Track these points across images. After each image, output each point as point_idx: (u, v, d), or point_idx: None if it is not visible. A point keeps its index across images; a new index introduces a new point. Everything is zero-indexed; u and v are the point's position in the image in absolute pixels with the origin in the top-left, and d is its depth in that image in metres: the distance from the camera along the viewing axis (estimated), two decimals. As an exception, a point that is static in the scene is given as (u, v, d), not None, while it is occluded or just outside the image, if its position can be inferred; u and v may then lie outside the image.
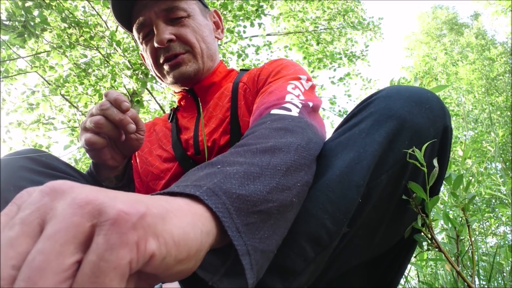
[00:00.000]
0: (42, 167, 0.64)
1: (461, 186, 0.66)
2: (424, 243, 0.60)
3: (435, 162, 0.54)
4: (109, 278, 0.23)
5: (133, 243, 0.24)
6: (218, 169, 0.38)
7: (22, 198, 0.26)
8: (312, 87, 0.72)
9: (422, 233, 0.60)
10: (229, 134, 0.78)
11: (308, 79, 0.72)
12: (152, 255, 0.25)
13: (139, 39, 0.85)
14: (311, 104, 0.62)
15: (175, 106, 0.95)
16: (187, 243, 0.28)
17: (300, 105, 0.60)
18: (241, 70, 0.93)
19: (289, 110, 0.58)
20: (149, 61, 0.87)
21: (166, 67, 0.82)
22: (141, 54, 0.94)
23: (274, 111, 0.58)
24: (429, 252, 0.61)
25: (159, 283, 0.48)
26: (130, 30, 0.87)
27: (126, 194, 0.27)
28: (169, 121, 0.93)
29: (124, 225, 0.24)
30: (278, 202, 0.39)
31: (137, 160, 0.90)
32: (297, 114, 0.57)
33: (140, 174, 0.87)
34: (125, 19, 0.85)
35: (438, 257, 0.73)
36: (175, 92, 0.92)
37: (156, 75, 0.88)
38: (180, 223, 0.28)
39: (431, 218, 0.57)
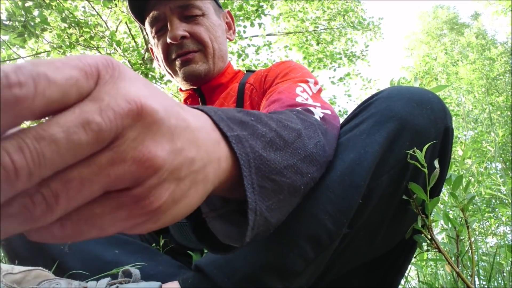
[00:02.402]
0: None
1: (461, 187, 0.66)
2: (424, 244, 0.60)
3: (436, 163, 0.54)
4: (100, 183, 0.21)
5: (148, 187, 0.23)
6: (251, 121, 0.37)
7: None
8: (319, 91, 0.72)
9: (422, 234, 0.60)
10: None
11: (316, 83, 0.73)
12: (158, 207, 0.24)
13: (151, 33, 0.86)
14: (329, 112, 0.62)
15: None
16: (192, 200, 0.27)
17: (322, 114, 0.60)
18: (247, 71, 0.94)
19: (313, 113, 0.58)
20: (159, 56, 0.87)
21: (177, 62, 0.83)
22: (151, 48, 0.94)
23: (300, 109, 0.58)
24: (429, 252, 0.61)
25: (159, 284, 0.48)
26: (142, 23, 0.88)
27: (182, 108, 0.26)
28: None
29: (151, 168, 0.22)
30: (290, 180, 0.38)
31: None
32: (319, 119, 0.57)
33: None
34: (139, 11, 0.86)
35: (438, 257, 0.73)
36: (181, 90, 0.93)
37: (166, 70, 0.88)
38: (204, 167, 0.27)
39: (431, 218, 0.57)
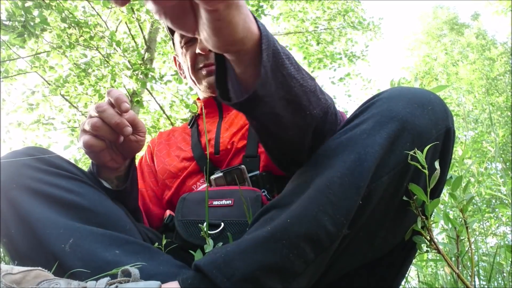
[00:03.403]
0: (45, 165, 0.64)
1: (460, 187, 0.66)
2: (423, 245, 0.60)
3: (436, 164, 0.54)
4: None
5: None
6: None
7: None
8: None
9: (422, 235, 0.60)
10: (246, 139, 0.85)
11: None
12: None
13: (180, 43, 0.95)
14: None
15: (196, 114, 1.06)
16: (243, 30, 0.39)
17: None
18: None
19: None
20: (186, 65, 0.96)
21: (203, 72, 0.92)
22: (174, 57, 1.05)
23: None
24: (429, 252, 0.61)
25: (159, 284, 0.48)
26: (172, 33, 0.98)
27: None
28: (189, 126, 1.01)
29: None
30: (296, 90, 0.47)
31: (155, 161, 0.96)
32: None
33: (155, 174, 0.95)
34: None
35: (438, 258, 0.73)
36: (198, 100, 1.02)
37: (191, 78, 0.96)
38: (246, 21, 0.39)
39: (431, 220, 0.57)
